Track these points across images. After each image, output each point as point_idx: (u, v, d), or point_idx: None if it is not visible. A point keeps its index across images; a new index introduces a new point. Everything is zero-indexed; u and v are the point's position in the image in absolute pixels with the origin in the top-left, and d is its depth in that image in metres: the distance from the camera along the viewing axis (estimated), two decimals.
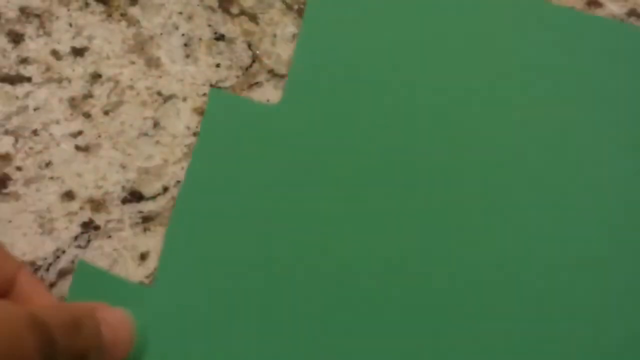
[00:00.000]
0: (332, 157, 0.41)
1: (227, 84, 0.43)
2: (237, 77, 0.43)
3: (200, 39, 0.44)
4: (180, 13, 0.45)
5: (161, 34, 0.44)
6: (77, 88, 0.42)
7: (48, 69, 0.42)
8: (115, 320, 0.35)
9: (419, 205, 0.40)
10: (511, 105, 0.42)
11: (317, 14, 0.44)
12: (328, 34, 0.44)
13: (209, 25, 0.44)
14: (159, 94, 0.43)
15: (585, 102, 0.42)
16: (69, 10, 0.43)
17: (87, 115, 0.42)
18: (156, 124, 0.42)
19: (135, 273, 0.39)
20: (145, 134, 0.42)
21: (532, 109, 0.42)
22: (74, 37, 0.43)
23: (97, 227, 0.40)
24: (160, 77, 0.43)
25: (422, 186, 0.41)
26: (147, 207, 0.41)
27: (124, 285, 0.39)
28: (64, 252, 0.39)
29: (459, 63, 0.43)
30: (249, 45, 0.44)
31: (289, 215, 0.40)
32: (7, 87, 0.42)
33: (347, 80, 0.43)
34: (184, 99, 0.43)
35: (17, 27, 0.43)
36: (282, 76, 0.43)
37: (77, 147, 0.41)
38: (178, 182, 0.41)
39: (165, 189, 0.41)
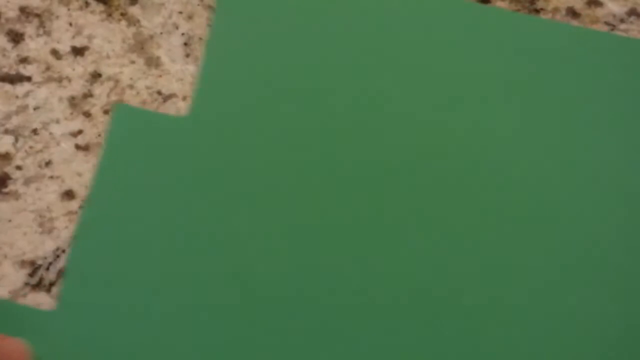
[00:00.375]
0: (241, 168, 0.40)
1: None
2: None
3: (200, 38, 0.44)
4: (181, 12, 0.45)
5: (161, 33, 0.44)
6: (77, 87, 0.42)
7: (48, 68, 0.42)
8: (10, 350, 0.33)
9: (332, 213, 0.40)
10: (434, 108, 0.42)
11: (226, 20, 0.44)
12: (236, 42, 0.43)
13: (209, 25, 0.44)
14: (159, 93, 0.43)
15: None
16: (69, 9, 0.43)
17: (87, 115, 0.42)
18: None
19: None
20: None
21: (455, 111, 0.42)
22: (74, 37, 0.43)
23: None
24: (160, 76, 0.43)
25: (338, 193, 0.40)
26: None
27: (25, 312, 0.37)
28: (63, 251, 0.39)
29: (374, 65, 0.43)
30: None
31: (197, 230, 0.39)
32: (7, 87, 0.42)
33: (257, 89, 0.42)
34: (184, 98, 0.43)
35: (17, 27, 0.43)
36: None
37: (77, 146, 0.41)
38: None
39: None
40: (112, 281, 0.38)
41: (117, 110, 0.41)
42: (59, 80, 0.42)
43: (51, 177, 0.41)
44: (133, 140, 0.41)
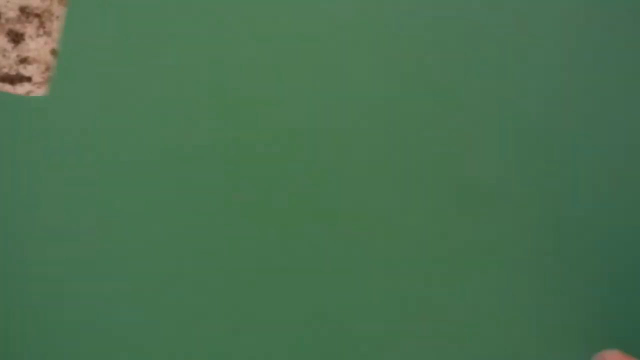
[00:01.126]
0: (94, 150, 0.40)
1: None
2: None
3: None
4: None
5: None
6: None
7: (48, 68, 0.42)
8: None
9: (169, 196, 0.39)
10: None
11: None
12: (92, 25, 0.43)
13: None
14: None
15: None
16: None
17: None
18: None
19: None
20: None
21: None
22: None
23: None
24: None
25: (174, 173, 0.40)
26: None
27: None
28: None
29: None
30: None
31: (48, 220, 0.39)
32: (7, 87, 0.42)
33: (113, 69, 0.42)
34: None
35: (17, 27, 0.43)
36: None
37: None
38: None
39: None
40: None
41: None
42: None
43: None
44: None
